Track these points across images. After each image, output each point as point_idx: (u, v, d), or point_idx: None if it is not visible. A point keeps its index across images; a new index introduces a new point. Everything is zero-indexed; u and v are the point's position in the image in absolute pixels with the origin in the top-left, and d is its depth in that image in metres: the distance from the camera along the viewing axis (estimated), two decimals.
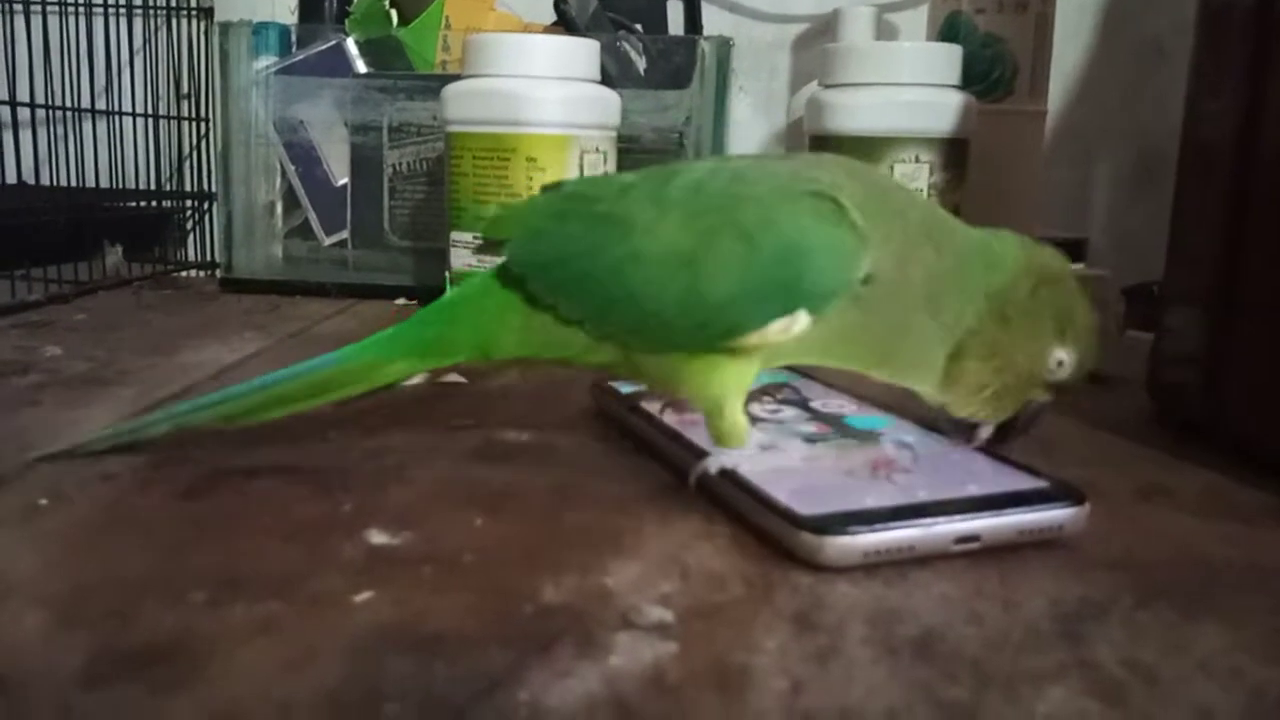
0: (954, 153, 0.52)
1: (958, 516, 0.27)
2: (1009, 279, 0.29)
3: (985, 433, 0.32)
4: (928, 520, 0.26)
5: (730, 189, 0.29)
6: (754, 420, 0.35)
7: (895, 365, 0.31)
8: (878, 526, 0.26)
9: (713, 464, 0.30)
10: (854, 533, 0.26)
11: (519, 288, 0.31)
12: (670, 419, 0.34)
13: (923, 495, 0.28)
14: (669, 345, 0.30)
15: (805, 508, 0.27)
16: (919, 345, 0.30)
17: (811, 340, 0.29)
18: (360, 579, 0.25)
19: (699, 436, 0.31)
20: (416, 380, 0.43)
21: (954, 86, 0.53)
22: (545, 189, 0.34)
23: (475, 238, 0.53)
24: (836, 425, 0.35)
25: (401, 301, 0.66)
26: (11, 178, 0.61)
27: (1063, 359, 0.30)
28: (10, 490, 0.30)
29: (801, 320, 0.28)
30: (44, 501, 0.29)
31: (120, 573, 0.25)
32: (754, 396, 0.36)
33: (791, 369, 0.42)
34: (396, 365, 0.33)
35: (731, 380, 0.30)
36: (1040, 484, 0.29)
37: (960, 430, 0.32)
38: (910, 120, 0.52)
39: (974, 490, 0.28)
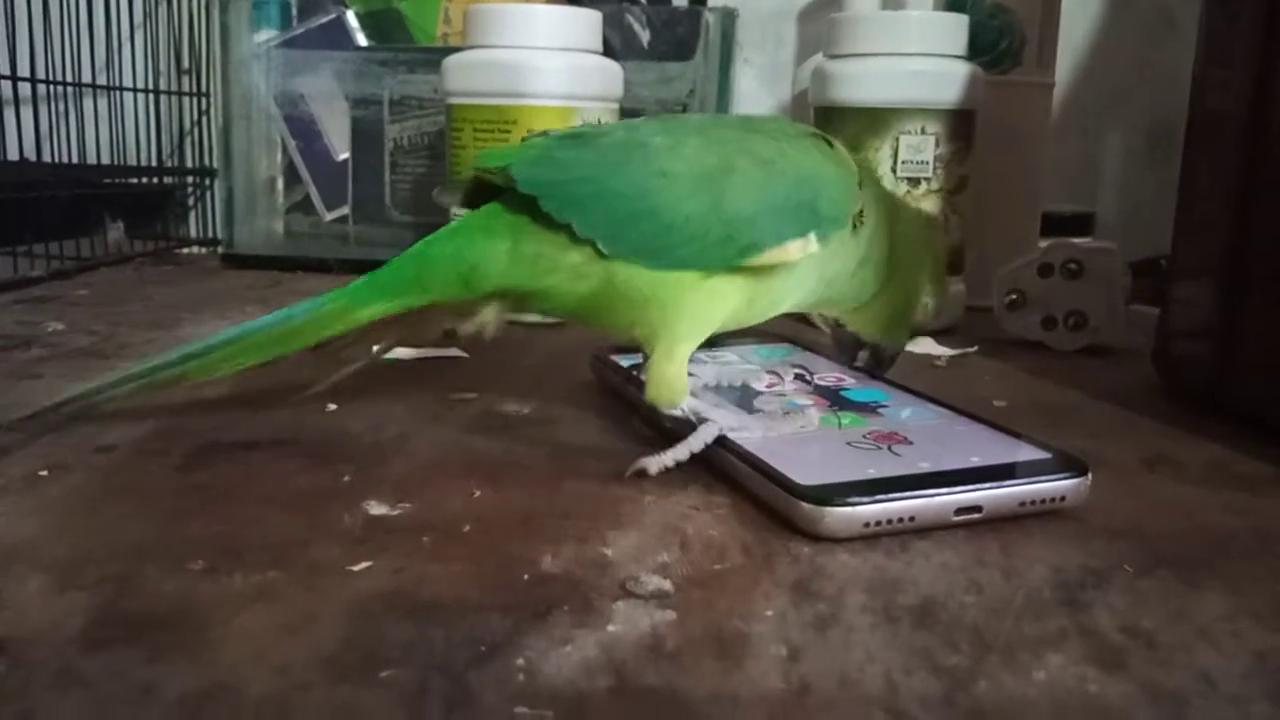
0: (960, 124, 0.52)
1: (959, 487, 0.27)
2: (914, 230, 0.35)
3: (862, 356, 0.37)
4: (929, 491, 0.26)
5: (738, 126, 0.33)
6: (756, 393, 0.35)
7: (838, 300, 0.35)
8: (878, 497, 0.26)
9: (679, 452, 0.30)
10: (854, 503, 0.26)
11: (512, 215, 0.31)
12: None
13: (925, 466, 0.28)
14: (683, 262, 0.30)
15: (805, 478, 0.26)
16: (865, 282, 0.34)
17: (799, 274, 0.32)
18: (359, 548, 0.25)
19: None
20: (401, 352, 0.43)
21: (960, 57, 0.52)
22: (527, 137, 0.34)
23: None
24: (838, 398, 0.34)
25: None
26: (13, 154, 0.61)
27: (929, 303, 0.36)
28: (12, 460, 0.30)
29: (813, 244, 0.31)
30: (45, 472, 0.29)
31: (120, 540, 0.25)
32: (759, 374, 0.36)
33: (793, 343, 0.42)
34: (373, 306, 0.32)
35: (712, 309, 0.31)
36: (1043, 455, 0.29)
37: (844, 352, 0.38)
38: (916, 91, 0.51)
39: (976, 461, 0.28)
